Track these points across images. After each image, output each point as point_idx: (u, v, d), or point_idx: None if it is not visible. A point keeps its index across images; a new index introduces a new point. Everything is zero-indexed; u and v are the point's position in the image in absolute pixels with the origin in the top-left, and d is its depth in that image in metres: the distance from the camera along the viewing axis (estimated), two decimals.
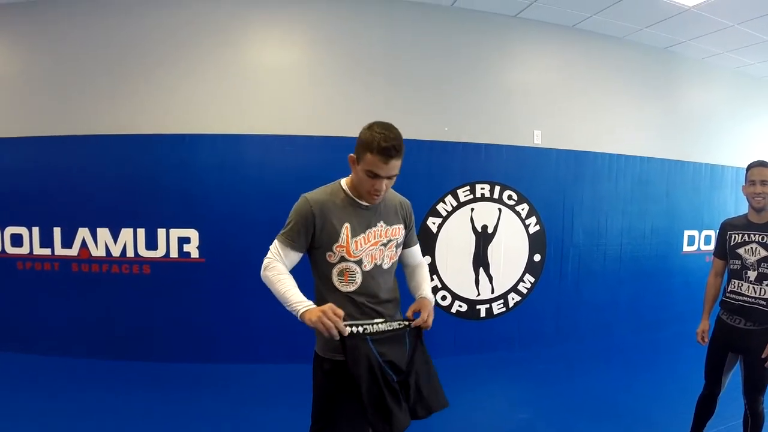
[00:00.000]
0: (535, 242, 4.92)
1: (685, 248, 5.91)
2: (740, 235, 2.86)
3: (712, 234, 6.15)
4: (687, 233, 5.94)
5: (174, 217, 4.25)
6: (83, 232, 4.23)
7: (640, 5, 4.54)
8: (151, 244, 4.24)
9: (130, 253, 4.24)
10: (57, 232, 4.24)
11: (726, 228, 2.96)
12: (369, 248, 1.94)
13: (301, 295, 1.82)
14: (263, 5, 4.33)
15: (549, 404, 3.79)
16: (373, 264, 1.95)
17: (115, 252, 4.24)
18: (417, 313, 1.95)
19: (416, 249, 2.24)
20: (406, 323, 1.92)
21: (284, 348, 4.28)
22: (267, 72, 4.36)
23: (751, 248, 2.78)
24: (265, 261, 1.90)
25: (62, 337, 4.31)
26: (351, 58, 4.46)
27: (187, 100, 4.28)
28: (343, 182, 1.98)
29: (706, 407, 3.05)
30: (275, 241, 1.92)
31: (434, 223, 4.55)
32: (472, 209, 4.66)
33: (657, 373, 4.44)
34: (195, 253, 4.30)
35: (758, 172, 2.75)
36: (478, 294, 4.73)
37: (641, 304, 5.51)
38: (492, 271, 4.75)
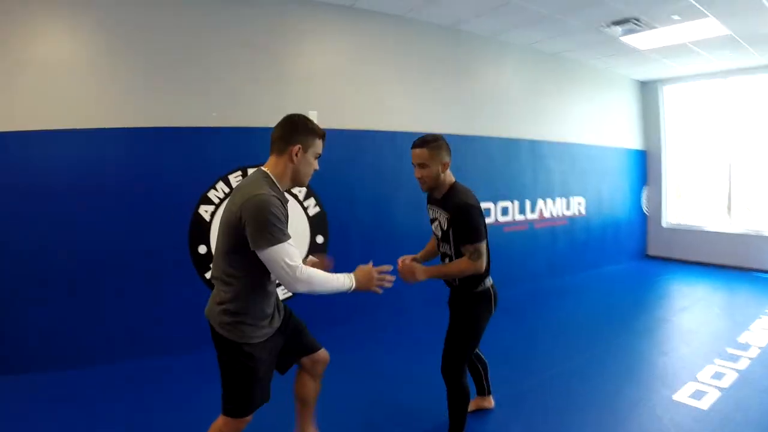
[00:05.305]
0: (316, 223, 4.90)
1: None
2: (431, 210, 2.82)
3: (509, 205, 6.45)
4: (482, 205, 6.14)
5: None
6: None
7: None
8: None
9: None
10: None
11: (426, 200, 2.88)
12: None
13: (340, 277, 2.13)
14: None
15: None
16: None
17: None
18: None
19: None
20: None
21: (58, 353, 4.03)
22: (37, 65, 3.90)
23: (438, 224, 2.72)
24: (297, 268, 1.97)
25: None
26: (113, 46, 4.14)
27: None
28: (274, 180, 2.11)
29: (474, 365, 3.15)
30: (282, 245, 1.95)
31: (207, 211, 4.42)
32: None
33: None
34: None
35: (415, 154, 2.61)
36: None
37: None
38: None
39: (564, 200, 7.36)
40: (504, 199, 6.46)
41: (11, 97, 3.85)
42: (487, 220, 5.91)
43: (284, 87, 4.80)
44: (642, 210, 8.88)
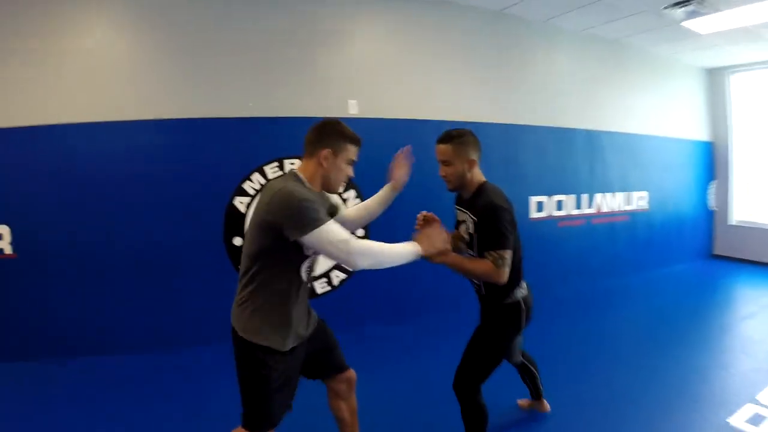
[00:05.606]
0: None
1: (534, 215, 5.83)
2: (458, 211, 2.62)
3: (564, 199, 6.10)
4: (534, 199, 5.86)
5: None
6: None
7: None
8: None
9: None
10: None
11: (454, 201, 2.70)
12: None
13: (401, 244, 2.01)
14: None
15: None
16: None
17: None
18: None
19: None
20: None
21: (96, 341, 4.16)
22: (75, 58, 4.04)
23: (466, 226, 2.49)
24: (351, 242, 1.86)
25: None
26: (153, 39, 4.19)
27: None
28: (304, 180, 2.04)
29: (527, 369, 3.05)
30: (324, 226, 1.84)
31: (242, 203, 4.38)
32: None
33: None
34: (8, 249, 4.03)
35: (439, 150, 2.40)
36: None
37: None
38: None
39: (624, 194, 6.93)
40: (558, 192, 6.13)
41: (51, 91, 3.97)
42: (541, 215, 5.76)
43: (323, 77, 4.67)
44: (708, 206, 8.30)
